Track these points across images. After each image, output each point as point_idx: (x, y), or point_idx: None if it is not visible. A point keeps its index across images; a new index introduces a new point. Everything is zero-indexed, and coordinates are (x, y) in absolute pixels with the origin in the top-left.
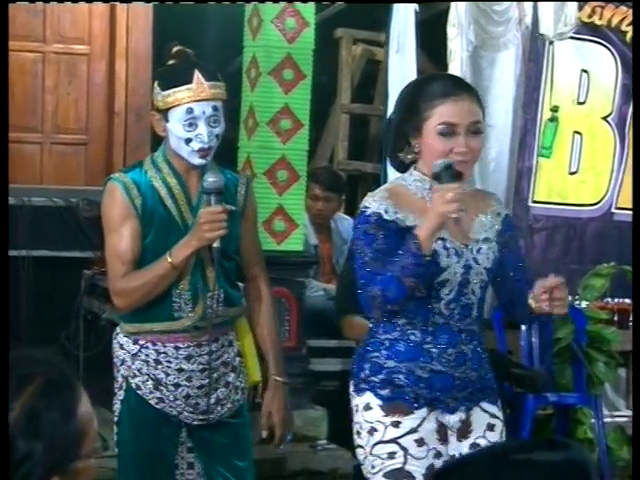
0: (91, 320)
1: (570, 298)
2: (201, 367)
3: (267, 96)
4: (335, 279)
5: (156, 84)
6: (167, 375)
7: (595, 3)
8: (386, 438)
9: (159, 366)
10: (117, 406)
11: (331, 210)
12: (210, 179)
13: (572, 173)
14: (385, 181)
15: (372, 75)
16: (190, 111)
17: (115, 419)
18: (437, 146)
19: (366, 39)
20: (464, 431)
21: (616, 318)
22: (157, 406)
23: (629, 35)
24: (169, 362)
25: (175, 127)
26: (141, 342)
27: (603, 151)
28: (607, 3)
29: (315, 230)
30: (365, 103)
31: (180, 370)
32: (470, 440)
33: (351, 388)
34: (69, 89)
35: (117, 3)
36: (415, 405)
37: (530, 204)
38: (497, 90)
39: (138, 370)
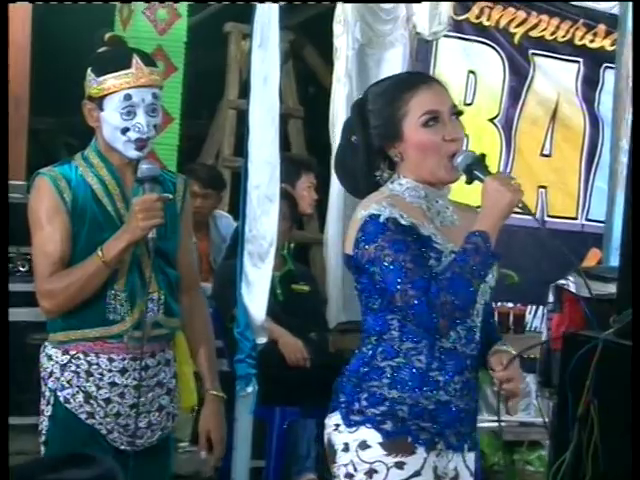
0: None
1: None
2: (135, 383)
3: None
4: (212, 277)
5: (89, 71)
6: (98, 389)
7: (483, 3)
8: None
9: (90, 378)
10: (44, 424)
11: (209, 207)
12: (144, 166)
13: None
14: (246, 181)
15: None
16: (128, 98)
17: (42, 439)
18: (425, 140)
19: None
20: None
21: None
22: (87, 421)
23: (517, 37)
24: (101, 375)
25: (111, 116)
26: (72, 352)
27: (489, 153)
28: (495, 3)
29: (193, 227)
30: None
31: (112, 384)
32: None
33: (336, 421)
34: None
35: None
36: (418, 441)
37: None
38: None
39: (68, 382)
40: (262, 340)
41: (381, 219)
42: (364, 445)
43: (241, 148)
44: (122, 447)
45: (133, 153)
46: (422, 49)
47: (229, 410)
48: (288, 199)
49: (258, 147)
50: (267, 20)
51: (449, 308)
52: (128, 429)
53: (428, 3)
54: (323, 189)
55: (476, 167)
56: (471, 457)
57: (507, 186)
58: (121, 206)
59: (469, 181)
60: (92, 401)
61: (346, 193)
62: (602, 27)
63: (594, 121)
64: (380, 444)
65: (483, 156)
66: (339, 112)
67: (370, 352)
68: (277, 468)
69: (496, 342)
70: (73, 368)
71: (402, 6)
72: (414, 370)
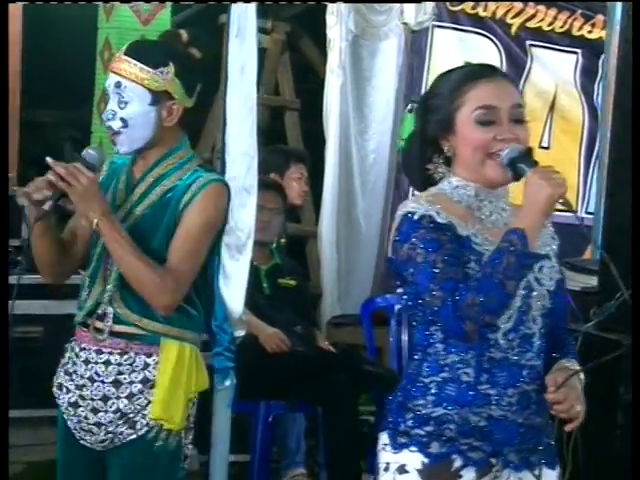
0: None
1: None
2: (93, 376)
3: None
4: None
5: None
6: (64, 375)
7: None
8: None
9: (66, 366)
10: None
11: None
12: (90, 151)
13: None
14: (223, 173)
15: (257, 63)
16: (106, 79)
17: None
18: (476, 136)
19: None
20: None
21: None
22: (61, 408)
23: (514, 28)
24: (74, 363)
25: None
26: (72, 338)
27: None
28: None
29: None
30: None
31: (74, 373)
32: None
33: (384, 441)
34: None
35: None
36: (469, 463)
37: (410, 198)
38: (378, 81)
39: (61, 366)
40: (240, 333)
41: (416, 216)
42: (402, 469)
43: None
44: (81, 442)
45: (114, 146)
46: (417, 40)
47: (207, 404)
48: (280, 193)
49: (235, 138)
50: (244, 9)
51: (477, 310)
52: (81, 423)
53: None
54: (318, 182)
55: (521, 161)
56: (551, 475)
57: (548, 180)
58: (121, 190)
59: (516, 177)
60: (59, 391)
61: (340, 186)
62: (600, 17)
63: (593, 113)
64: (418, 471)
65: (529, 150)
66: (332, 104)
67: (416, 369)
68: (262, 462)
69: (564, 358)
70: (66, 355)
71: None
72: (461, 385)
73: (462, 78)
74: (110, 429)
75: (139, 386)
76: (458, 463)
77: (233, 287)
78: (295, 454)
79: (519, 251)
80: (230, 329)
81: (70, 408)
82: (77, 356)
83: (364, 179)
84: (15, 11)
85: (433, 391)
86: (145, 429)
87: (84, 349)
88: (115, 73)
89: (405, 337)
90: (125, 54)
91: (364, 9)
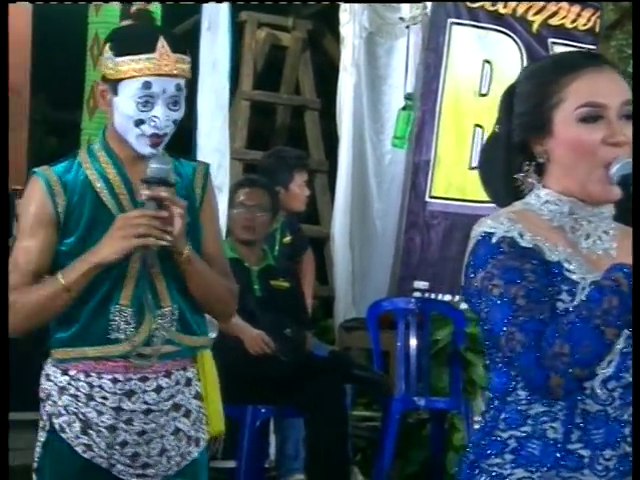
0: None
1: (451, 298)
2: (145, 407)
3: None
4: None
5: (107, 47)
6: (100, 414)
7: None
8: None
9: (91, 403)
10: (38, 449)
11: None
12: (154, 165)
13: (473, 168)
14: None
15: (278, 61)
16: (147, 86)
17: (34, 465)
18: (580, 138)
19: (271, 23)
20: None
21: None
22: (85, 455)
23: (535, 25)
24: (104, 398)
25: (125, 104)
26: (72, 372)
27: None
28: None
29: None
30: (270, 90)
31: (118, 410)
32: None
33: None
34: None
35: None
36: None
37: (427, 199)
38: (394, 80)
39: (65, 408)
40: (212, 335)
41: (494, 239)
42: None
43: (258, 141)
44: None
45: (146, 149)
46: (435, 38)
47: None
48: (267, 190)
49: (207, 135)
50: (217, 4)
51: (565, 362)
52: (137, 460)
53: None
54: (331, 183)
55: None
56: None
57: None
58: (127, 205)
59: (626, 198)
60: (91, 431)
61: (354, 186)
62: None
63: None
64: None
65: None
66: (345, 103)
67: (492, 420)
68: (249, 470)
69: None
70: (72, 391)
71: None
72: (547, 442)
73: (559, 68)
74: (175, 453)
75: (194, 402)
76: None
77: None
78: (293, 460)
79: (624, 292)
80: None
81: (115, 449)
82: (108, 390)
83: (380, 180)
84: (24, 11)
85: (512, 447)
86: (203, 444)
87: (117, 380)
88: (172, 76)
89: (413, 342)
90: (173, 51)
91: (379, 6)
